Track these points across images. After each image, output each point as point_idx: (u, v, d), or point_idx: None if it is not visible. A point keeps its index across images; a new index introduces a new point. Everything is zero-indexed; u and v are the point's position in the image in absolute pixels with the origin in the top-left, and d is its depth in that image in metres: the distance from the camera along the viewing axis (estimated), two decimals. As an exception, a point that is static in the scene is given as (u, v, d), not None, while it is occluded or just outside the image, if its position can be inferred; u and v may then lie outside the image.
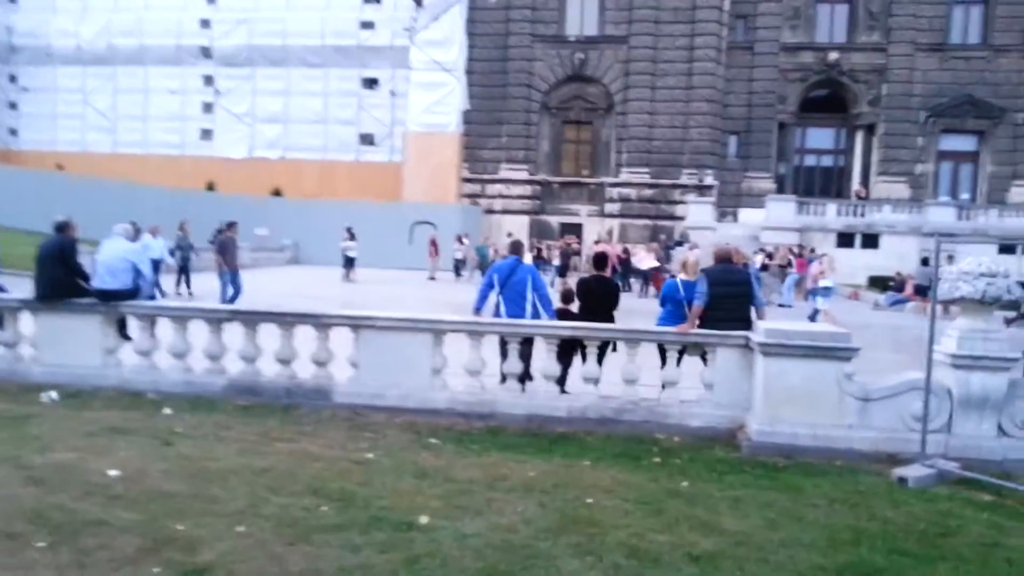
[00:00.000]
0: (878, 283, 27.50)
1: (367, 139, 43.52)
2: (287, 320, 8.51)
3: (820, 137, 39.86)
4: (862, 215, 33.16)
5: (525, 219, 38.06)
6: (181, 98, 43.52)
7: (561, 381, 8.70)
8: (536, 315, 8.54)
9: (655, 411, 8.00)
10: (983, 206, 33.70)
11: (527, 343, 8.42)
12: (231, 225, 16.71)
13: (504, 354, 8.52)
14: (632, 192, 37.84)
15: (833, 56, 38.08)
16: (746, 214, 37.60)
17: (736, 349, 7.83)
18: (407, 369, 8.26)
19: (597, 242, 29.73)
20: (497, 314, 8.56)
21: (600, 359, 8.17)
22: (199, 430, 7.11)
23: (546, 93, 38.59)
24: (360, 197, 37.91)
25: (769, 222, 33.42)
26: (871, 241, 32.25)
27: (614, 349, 8.40)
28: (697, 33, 37.13)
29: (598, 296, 8.49)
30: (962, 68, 37.32)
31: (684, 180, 37.46)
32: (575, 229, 37.54)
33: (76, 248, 8.92)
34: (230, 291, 16.02)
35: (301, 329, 8.64)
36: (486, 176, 38.90)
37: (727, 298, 7.90)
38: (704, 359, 8.25)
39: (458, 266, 29.44)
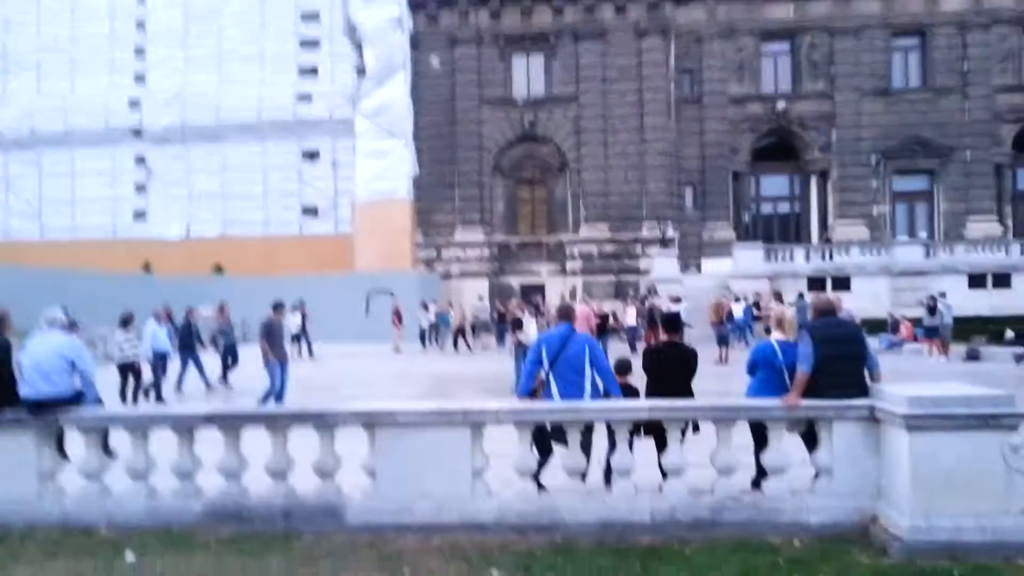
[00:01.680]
0: (864, 325, 26.58)
1: (310, 211, 41.96)
2: (279, 422, 6.64)
3: (775, 184, 39.62)
4: (831, 258, 32.57)
5: (484, 282, 36.50)
6: (111, 180, 41.24)
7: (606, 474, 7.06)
8: (596, 395, 6.86)
9: (762, 507, 6.34)
10: (949, 242, 33.48)
11: (590, 431, 6.75)
12: (277, 308, 13.88)
13: (542, 449, 6.83)
14: (593, 248, 36.73)
15: (781, 105, 38.09)
16: (709, 264, 36.74)
17: (858, 423, 6.27)
18: (440, 474, 6.45)
19: (570, 299, 28.20)
20: (547, 396, 6.85)
21: (660, 444, 6.55)
22: (180, 591, 5.16)
23: (497, 155, 37.57)
24: (306, 270, 35.99)
25: (738, 270, 32.55)
26: (842, 284, 31.57)
27: (696, 430, 6.76)
28: (645, 88, 36.83)
29: (671, 367, 6.86)
30: (907, 111, 37.66)
31: (645, 233, 36.55)
32: (537, 290, 36.13)
33: (10, 350, 6.98)
34: (276, 384, 13.17)
35: (298, 432, 6.77)
36: (441, 240, 37.40)
37: (838, 359, 6.36)
38: (808, 438, 6.66)
39: (423, 335, 27.59)
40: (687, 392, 6.86)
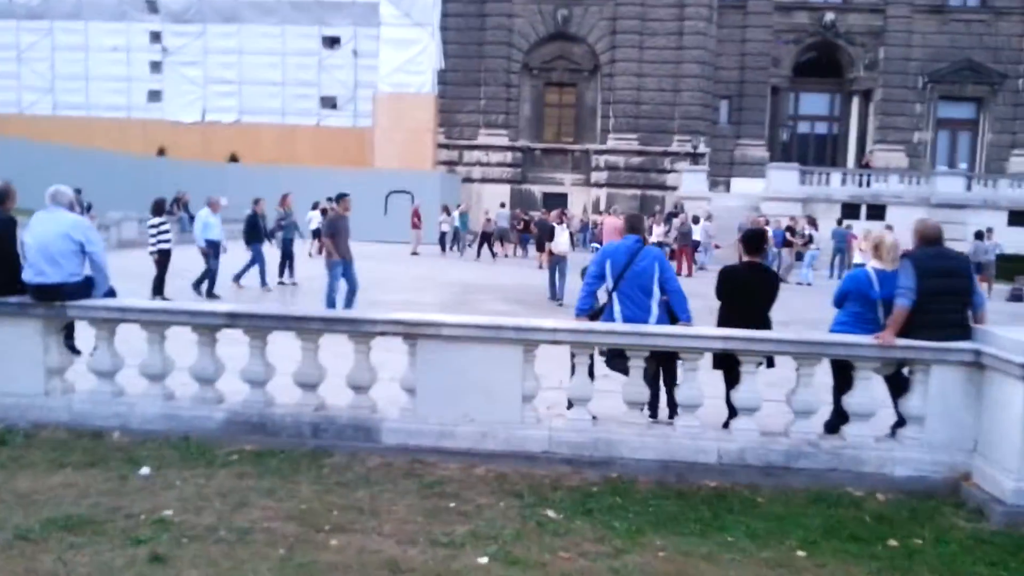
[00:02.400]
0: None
1: (329, 102, 40.66)
2: (311, 326, 5.97)
3: (814, 103, 38.04)
4: (867, 185, 31.39)
5: (506, 188, 35.55)
6: (126, 56, 39.75)
7: (670, 408, 6.43)
8: (664, 319, 6.15)
9: (842, 455, 5.70)
10: (991, 175, 32.15)
11: (658, 359, 6.07)
12: (341, 198, 12.39)
13: (572, 370, 6.18)
14: (620, 160, 35.53)
15: (829, 17, 36.12)
16: (739, 183, 35.65)
17: (959, 368, 5.56)
18: (486, 397, 5.82)
19: (600, 213, 27.24)
20: (609, 317, 6.14)
21: (735, 381, 5.88)
22: (200, 515, 4.58)
23: (527, 52, 35.91)
24: (323, 164, 35.02)
25: (770, 192, 31.44)
26: (877, 212, 30.44)
27: (770, 364, 6.07)
28: (688, -11, 34.78)
29: (751, 291, 6.11)
30: (961, 32, 35.69)
31: (675, 147, 35.27)
32: (560, 199, 35.11)
33: (14, 227, 6.27)
34: (342, 287, 12.12)
35: (330, 340, 6.12)
36: (463, 142, 36.22)
37: (941, 295, 5.60)
38: (896, 381, 5.97)
39: (444, 239, 26.85)
40: (765, 322, 6.13)
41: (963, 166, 35.86)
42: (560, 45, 35.87)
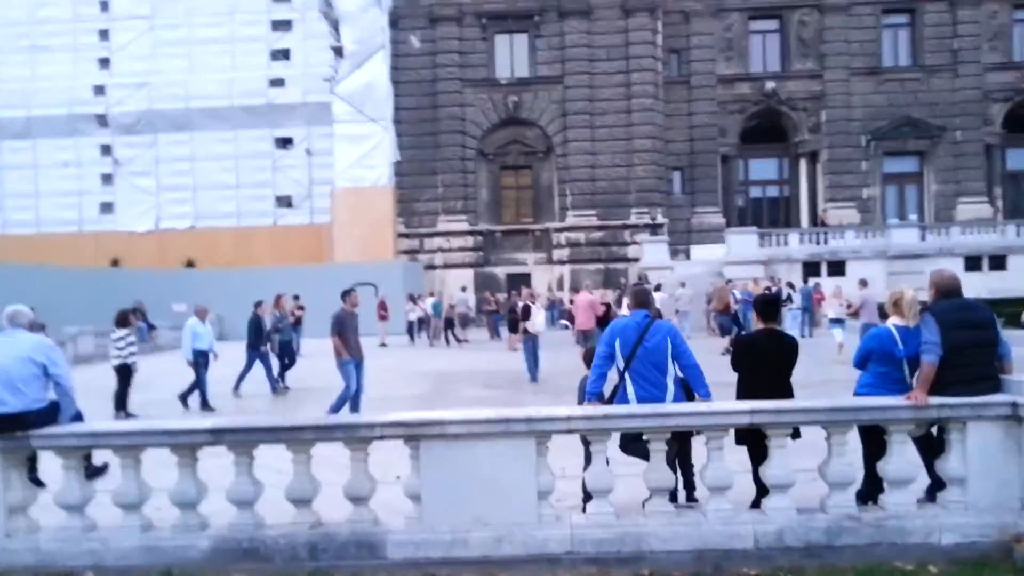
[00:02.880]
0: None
1: (284, 201, 40.78)
2: (303, 436, 5.48)
3: (764, 168, 38.87)
4: (825, 242, 31.86)
5: (469, 272, 35.35)
6: (76, 171, 39.42)
7: (687, 490, 6.03)
8: (681, 396, 5.79)
9: (886, 528, 5.31)
10: (943, 224, 32.88)
11: (679, 439, 5.70)
12: (348, 294, 11.56)
13: (588, 459, 5.79)
14: (580, 236, 35.68)
15: (770, 85, 37.28)
16: (699, 250, 35.94)
17: (997, 423, 5.28)
18: (499, 497, 5.36)
19: (563, 290, 27.06)
20: (622, 399, 5.75)
21: (761, 456, 5.53)
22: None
23: (481, 139, 36.31)
24: (281, 263, 34.65)
25: (731, 256, 31.70)
26: (837, 268, 30.85)
27: (795, 436, 5.71)
28: (632, 69, 35.71)
29: (772, 360, 5.79)
30: (897, 91, 37.06)
31: (633, 220, 35.58)
32: (523, 279, 34.89)
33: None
34: (352, 386, 11.30)
35: (323, 449, 5.63)
36: (423, 230, 36.13)
37: (968, 348, 5.35)
38: (928, 442, 5.66)
39: (412, 329, 26.37)
40: (788, 390, 5.80)
41: (913, 217, 36.71)
42: (513, 130, 36.37)
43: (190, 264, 36.88)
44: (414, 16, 36.10)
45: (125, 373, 12.40)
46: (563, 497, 6.09)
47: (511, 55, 36.47)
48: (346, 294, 11.52)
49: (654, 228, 35.08)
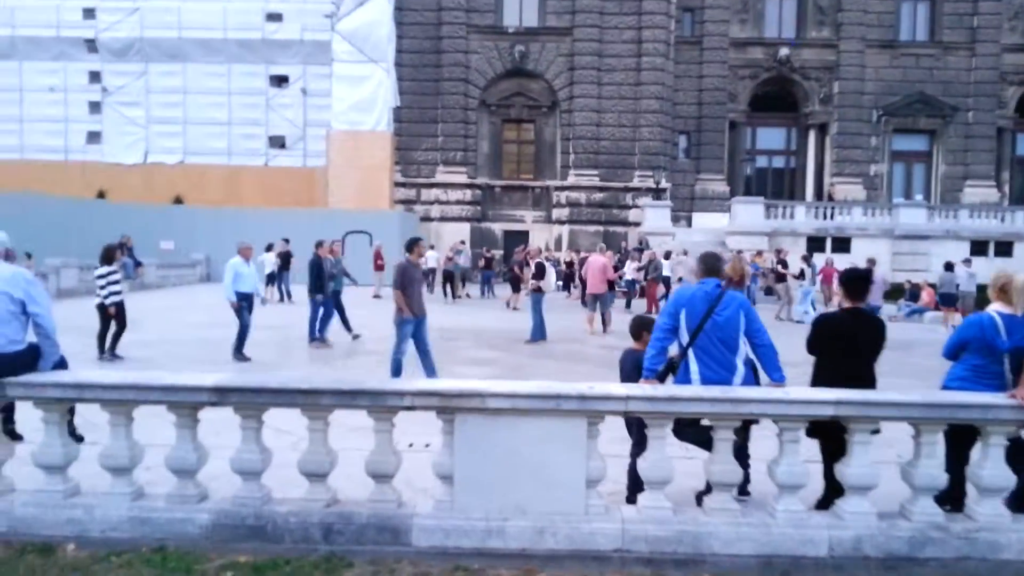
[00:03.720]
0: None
1: (277, 142, 39.58)
2: (321, 401, 4.78)
3: (772, 137, 38.03)
4: (831, 218, 31.20)
5: (466, 226, 34.56)
6: (63, 97, 37.95)
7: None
8: (751, 378, 5.12)
9: (976, 541, 4.71)
10: (952, 206, 32.28)
11: (746, 429, 5.07)
12: (414, 244, 10.14)
13: (639, 444, 5.15)
14: (581, 196, 34.87)
15: (784, 52, 36.29)
16: (701, 218, 35.33)
17: (1112, 430, 4.65)
18: (542, 483, 4.70)
19: (579, 252, 26.05)
20: (684, 378, 5.08)
21: (834, 452, 4.91)
22: None
23: (484, 89, 35.19)
24: (272, 205, 33.71)
25: (736, 226, 31.02)
26: (842, 245, 30.27)
27: (875, 430, 5.07)
28: (644, 26, 34.59)
29: (857, 344, 5.11)
30: (912, 66, 36.20)
31: (636, 183, 34.77)
32: (521, 237, 34.23)
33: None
34: (405, 348, 9.97)
35: (343, 416, 4.95)
36: (421, 180, 35.17)
37: (1083, 342, 4.70)
38: (1018, 445, 5.04)
39: (407, 281, 25.59)
40: (871, 380, 5.15)
41: (919, 197, 36.15)
42: (517, 82, 35.26)
43: (178, 200, 35.80)
44: (422, -45, 34.71)
45: (116, 312, 11.63)
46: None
47: (520, 2, 35.21)
48: (413, 244, 10.19)
49: (657, 192, 34.30)
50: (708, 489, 5.04)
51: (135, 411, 4.90)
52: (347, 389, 4.75)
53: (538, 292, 15.06)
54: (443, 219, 34.86)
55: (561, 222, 34.97)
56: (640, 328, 5.57)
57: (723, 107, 36.35)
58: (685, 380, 5.06)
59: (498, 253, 32.33)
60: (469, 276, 25.64)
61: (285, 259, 23.41)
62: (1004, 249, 30.31)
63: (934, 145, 36.78)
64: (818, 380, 5.11)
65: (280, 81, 39.16)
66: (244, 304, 12.23)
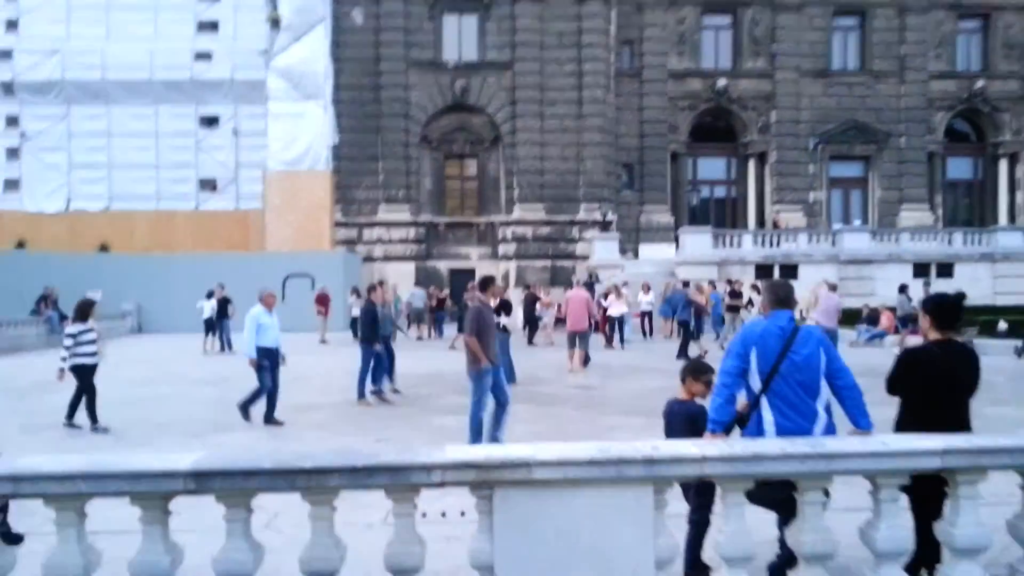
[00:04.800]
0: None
1: (208, 185, 38.44)
2: (327, 482, 3.85)
3: (713, 167, 38.29)
4: (778, 245, 31.32)
5: (410, 265, 33.63)
6: (-21, 144, 35.99)
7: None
8: (833, 427, 4.39)
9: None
10: (893, 230, 32.78)
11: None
12: (488, 283, 9.12)
13: (699, 511, 4.37)
14: (528, 230, 34.33)
15: (721, 83, 36.65)
16: (648, 249, 35.12)
17: None
18: (600, 568, 3.85)
19: (528, 287, 25.13)
20: (756, 430, 4.32)
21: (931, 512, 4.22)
22: None
23: (425, 125, 34.54)
24: (204, 249, 32.28)
25: (685, 256, 30.85)
26: (789, 271, 30.31)
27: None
28: (584, 58, 34.58)
29: (952, 381, 4.44)
30: (845, 94, 37.00)
31: (582, 216, 34.43)
32: (467, 275, 33.30)
33: None
34: (484, 401, 8.93)
35: (354, 498, 4.02)
36: (362, 219, 34.15)
37: None
38: None
39: (355, 324, 24.47)
40: (967, 420, 4.47)
41: (857, 222, 36.72)
42: (459, 116, 34.73)
43: (104, 248, 34.02)
44: (358, -12, 34.10)
45: (85, 375, 10.36)
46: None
47: (459, 37, 34.83)
48: (487, 283, 9.15)
49: (604, 225, 34.00)
50: (785, 560, 4.27)
51: (88, 506, 3.88)
52: (361, 465, 3.83)
53: (504, 332, 14.25)
54: (386, 258, 33.85)
55: (508, 258, 34.32)
56: (690, 373, 4.80)
57: (664, 138, 36.44)
58: (757, 432, 4.30)
59: (447, 291, 31.44)
60: (423, 317, 24.66)
61: (222, 305, 22.13)
62: (945, 271, 30.80)
63: (869, 171, 37.53)
64: (906, 424, 4.42)
65: (210, 122, 38.17)
66: (266, 362, 10.77)
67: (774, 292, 4.55)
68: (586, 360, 15.46)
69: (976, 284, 30.02)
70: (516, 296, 28.94)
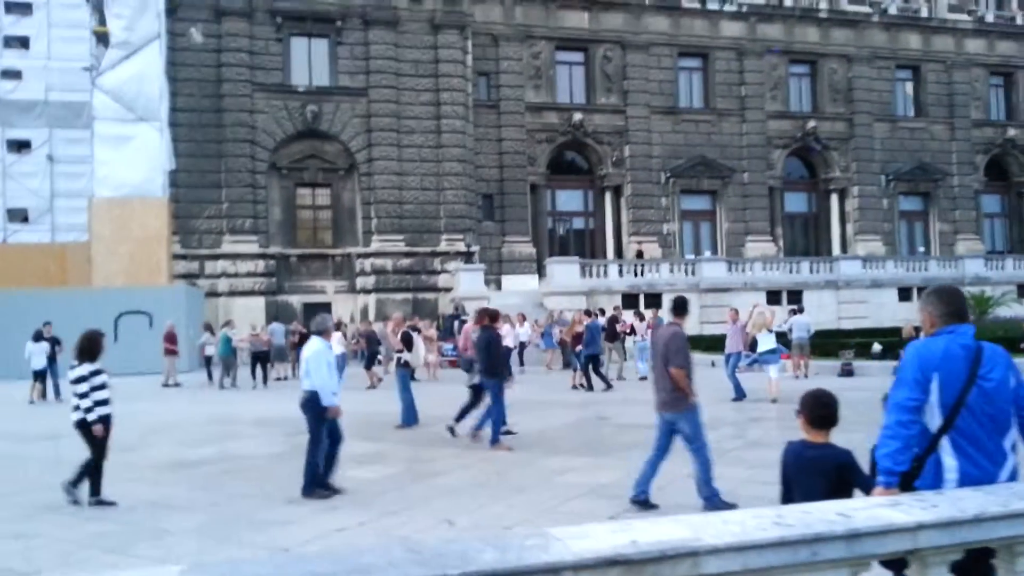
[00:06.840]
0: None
1: (18, 215, 34.41)
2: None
3: (571, 199, 38.38)
4: (642, 275, 31.57)
5: (260, 300, 31.07)
6: None
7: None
8: (1015, 473, 3.40)
9: None
10: (746, 260, 33.94)
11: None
12: (680, 307, 7.83)
13: None
14: (387, 262, 32.69)
15: (577, 117, 36.87)
16: (511, 281, 34.52)
17: None
18: None
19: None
20: (934, 480, 3.25)
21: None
22: None
23: (273, 151, 32.28)
24: (15, 286, 28.33)
25: (553, 286, 30.44)
26: (654, 300, 30.55)
27: None
28: (442, 88, 33.71)
29: None
30: (693, 131, 38.30)
31: (444, 247, 33.25)
32: (322, 308, 31.09)
33: None
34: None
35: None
36: (204, 251, 31.23)
37: None
38: None
39: (209, 363, 21.88)
40: None
41: (707, 253, 37.87)
42: (311, 143, 32.73)
43: None
44: (196, 6, 31.53)
45: (93, 435, 7.85)
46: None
47: (309, 61, 32.99)
48: (678, 306, 7.85)
49: (467, 256, 33.00)
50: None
51: None
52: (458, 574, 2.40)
53: (405, 368, 12.76)
54: (232, 293, 31.07)
55: (367, 291, 32.48)
56: (808, 408, 3.68)
57: (523, 170, 36.07)
58: (934, 483, 3.25)
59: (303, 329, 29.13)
60: (285, 356, 22.46)
61: (51, 347, 19.10)
62: (795, 298, 32.13)
63: (716, 204, 38.89)
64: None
65: (20, 147, 34.49)
66: (320, 409, 8.54)
67: (947, 302, 3.49)
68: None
69: (823, 310, 31.58)
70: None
